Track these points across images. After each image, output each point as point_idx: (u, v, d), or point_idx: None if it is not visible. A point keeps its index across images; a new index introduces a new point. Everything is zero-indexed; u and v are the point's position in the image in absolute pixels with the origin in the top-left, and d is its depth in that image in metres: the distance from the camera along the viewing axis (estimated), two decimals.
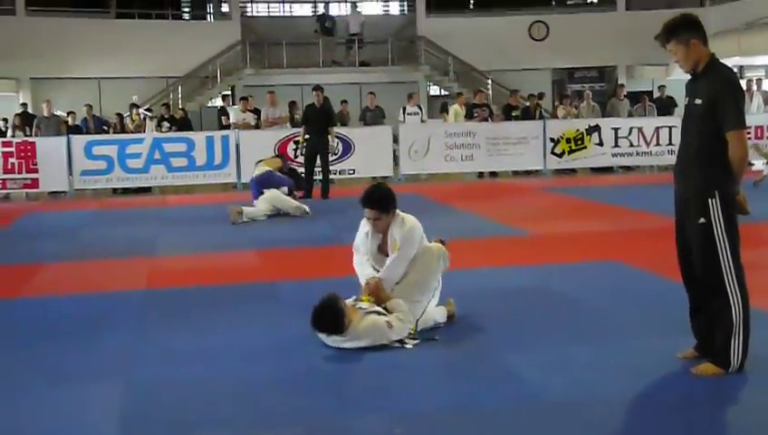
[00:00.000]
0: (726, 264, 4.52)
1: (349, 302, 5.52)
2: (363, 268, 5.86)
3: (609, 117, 18.84)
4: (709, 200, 4.50)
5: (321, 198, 14.03)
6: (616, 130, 18.04)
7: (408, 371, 4.96)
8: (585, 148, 17.91)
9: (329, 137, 14.59)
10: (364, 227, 5.87)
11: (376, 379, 4.86)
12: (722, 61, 4.70)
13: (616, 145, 18.02)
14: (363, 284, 5.74)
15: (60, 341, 5.87)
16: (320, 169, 14.65)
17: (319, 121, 14.46)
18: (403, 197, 13.78)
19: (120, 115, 18.80)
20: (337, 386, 4.80)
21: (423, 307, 5.71)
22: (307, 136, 14.60)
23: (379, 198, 5.71)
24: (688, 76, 4.78)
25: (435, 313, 5.84)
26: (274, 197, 12.26)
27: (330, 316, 5.24)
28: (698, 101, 4.60)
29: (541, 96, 19.77)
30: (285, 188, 12.53)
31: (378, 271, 5.75)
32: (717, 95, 4.52)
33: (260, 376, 4.93)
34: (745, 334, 4.56)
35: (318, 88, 14.77)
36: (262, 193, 12.26)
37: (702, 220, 4.53)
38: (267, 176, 12.72)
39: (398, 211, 5.77)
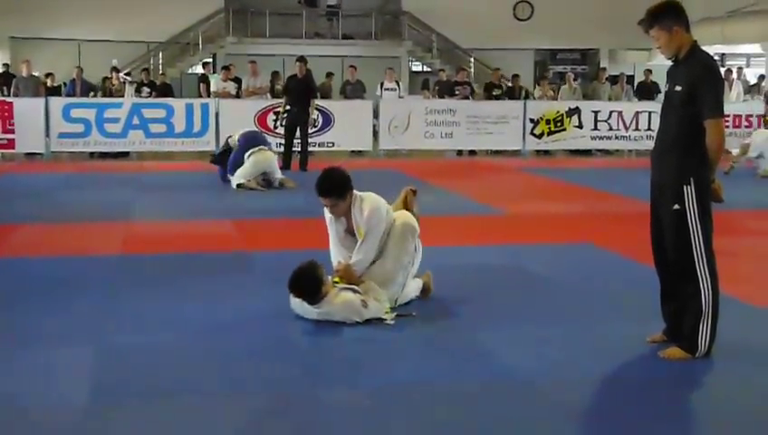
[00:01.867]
0: (698, 250, 4.56)
1: None
2: (335, 250, 5.85)
3: (589, 100, 18.88)
4: (684, 187, 4.53)
5: (300, 169, 14.01)
6: (596, 113, 18.09)
7: (380, 345, 4.99)
8: (565, 130, 17.96)
9: (309, 109, 14.53)
10: (327, 212, 5.80)
11: (347, 352, 4.89)
12: (704, 48, 4.72)
13: (595, 128, 18.08)
14: (334, 266, 5.73)
15: (31, 302, 5.85)
16: (299, 140, 14.60)
17: (300, 93, 14.40)
18: (382, 172, 13.88)
19: (107, 79, 18.60)
20: (308, 358, 4.83)
21: (401, 285, 5.71)
22: (288, 107, 14.54)
23: (332, 186, 5.58)
24: (669, 62, 4.80)
25: (411, 288, 5.86)
26: (267, 158, 12.04)
27: (307, 282, 5.26)
28: (678, 88, 4.61)
29: (515, 77, 19.73)
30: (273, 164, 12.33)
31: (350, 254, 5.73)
32: (697, 82, 4.53)
33: (231, 345, 4.94)
34: (714, 320, 4.61)
35: (301, 59, 14.70)
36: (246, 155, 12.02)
37: (676, 206, 4.56)
38: (255, 133, 12.74)
39: (355, 192, 5.67)
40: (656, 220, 4.79)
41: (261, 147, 12.11)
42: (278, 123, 15.23)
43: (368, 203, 5.65)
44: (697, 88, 4.52)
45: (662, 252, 4.78)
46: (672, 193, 4.59)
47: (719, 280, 4.65)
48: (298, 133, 14.55)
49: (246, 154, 11.98)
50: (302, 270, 5.31)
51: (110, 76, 18.62)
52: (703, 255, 4.57)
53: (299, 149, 14.63)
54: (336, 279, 5.55)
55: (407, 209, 6.07)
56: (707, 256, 4.58)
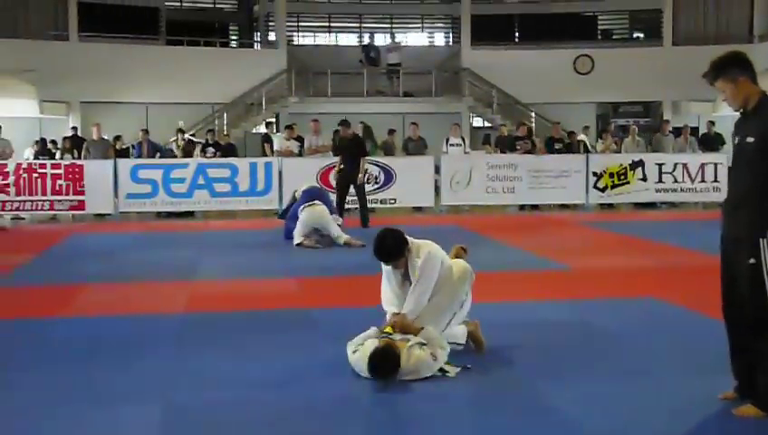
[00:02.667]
0: None
1: (372, 331, 5.56)
2: (388, 301, 5.88)
3: (653, 152, 18.69)
4: (761, 241, 4.40)
5: (362, 226, 14.07)
6: (660, 165, 17.89)
7: (442, 401, 4.95)
8: (628, 183, 17.78)
9: (361, 166, 14.56)
10: (384, 266, 5.87)
11: (409, 409, 4.86)
12: None
13: (660, 181, 17.86)
14: (388, 317, 5.76)
15: (100, 361, 5.95)
16: (355, 198, 14.66)
17: (351, 151, 14.54)
18: (444, 228, 13.89)
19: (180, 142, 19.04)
20: (369, 415, 4.81)
21: (446, 324, 5.77)
22: (342, 166, 14.67)
23: (391, 250, 5.69)
24: (735, 113, 4.73)
25: (455, 332, 5.86)
26: (315, 214, 12.00)
27: (390, 367, 5.21)
28: (750, 139, 4.49)
29: (571, 133, 19.63)
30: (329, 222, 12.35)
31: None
32: None
33: (294, 402, 4.95)
34: None
35: (344, 123, 15.01)
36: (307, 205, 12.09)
37: (752, 260, 4.43)
38: (314, 188, 12.84)
39: (411, 241, 5.76)
40: (727, 274, 4.66)
41: (314, 202, 12.16)
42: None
43: (424, 250, 5.76)
44: None
45: (733, 307, 4.64)
46: (747, 247, 4.45)
47: None
48: (352, 191, 14.61)
49: (300, 208, 12.09)
50: (383, 358, 5.22)
51: (179, 139, 18.97)
52: None
53: (356, 206, 14.70)
54: (388, 329, 5.56)
55: None
56: None
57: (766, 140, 4.42)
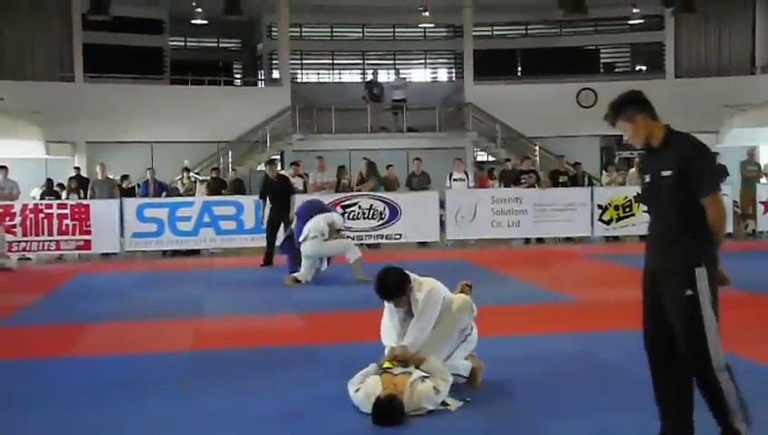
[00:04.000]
0: (713, 338, 4.33)
1: (371, 368, 5.56)
2: (388, 334, 5.90)
3: None
4: (696, 270, 4.33)
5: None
6: None
7: None
8: (633, 215, 17.76)
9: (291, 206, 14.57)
10: (387, 302, 5.90)
11: None
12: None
13: None
14: (387, 351, 5.76)
15: (105, 401, 5.93)
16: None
17: (279, 193, 14.67)
18: (449, 263, 13.86)
19: (185, 180, 19.09)
20: None
21: (446, 356, 5.79)
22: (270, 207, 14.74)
23: (393, 288, 5.73)
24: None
25: (458, 365, 5.85)
26: (316, 244, 11.90)
27: (395, 418, 5.17)
28: (666, 173, 4.43)
29: (576, 165, 19.69)
30: (335, 216, 12.44)
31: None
32: (689, 162, 4.39)
33: None
34: (746, 410, 4.38)
35: (272, 162, 15.83)
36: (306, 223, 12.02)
37: (689, 292, 4.32)
38: (315, 201, 12.87)
39: (413, 278, 5.80)
40: (655, 308, 4.56)
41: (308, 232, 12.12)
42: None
43: (426, 285, 5.80)
44: (691, 167, 4.38)
45: (663, 344, 4.54)
46: (681, 278, 4.34)
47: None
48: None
49: (299, 241, 12.01)
50: (387, 407, 5.18)
51: (184, 178, 19.03)
52: (717, 344, 4.32)
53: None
54: (387, 364, 5.55)
55: None
56: (720, 344, 4.34)
57: (687, 168, 4.39)
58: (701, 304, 4.31)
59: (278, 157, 24.24)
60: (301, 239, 11.95)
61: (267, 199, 14.79)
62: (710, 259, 4.37)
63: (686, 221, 4.39)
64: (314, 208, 12.45)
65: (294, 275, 11.97)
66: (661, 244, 4.54)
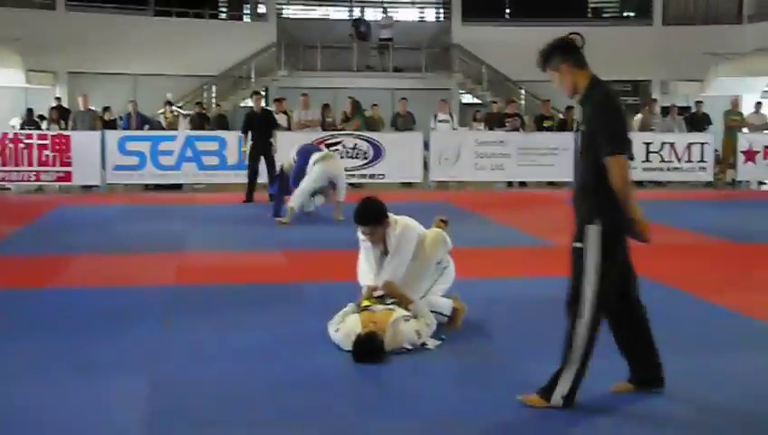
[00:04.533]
0: (587, 295, 4.32)
1: (350, 307, 5.62)
2: (365, 274, 5.97)
3: (641, 131, 18.74)
4: (587, 227, 4.32)
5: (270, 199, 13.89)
6: (647, 144, 17.95)
7: (427, 375, 5.01)
8: None
9: (272, 140, 14.58)
10: (363, 241, 5.95)
11: (395, 383, 4.91)
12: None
13: (647, 160, 17.94)
14: (364, 291, 5.83)
15: (87, 332, 5.97)
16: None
17: (262, 127, 14.59)
18: (432, 204, 13.93)
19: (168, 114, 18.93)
20: (356, 389, 4.86)
21: (425, 290, 5.90)
22: (251, 142, 14.67)
23: (370, 214, 5.78)
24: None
25: (440, 302, 5.94)
26: (336, 165, 11.97)
27: (375, 355, 5.23)
28: (582, 128, 4.42)
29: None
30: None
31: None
32: (594, 120, 4.35)
33: (281, 376, 5.00)
34: (576, 376, 4.37)
35: (257, 93, 15.62)
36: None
37: (578, 244, 4.36)
38: (311, 145, 12.76)
39: (390, 216, 5.85)
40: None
41: (327, 152, 12.02)
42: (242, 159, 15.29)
43: (401, 224, 5.88)
44: (595, 126, 4.33)
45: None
46: (578, 232, 4.38)
47: (598, 334, 4.38)
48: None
49: (312, 161, 11.82)
50: (367, 343, 5.25)
51: (167, 111, 18.88)
52: (588, 305, 4.32)
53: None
54: (366, 302, 5.62)
55: None
56: (595, 308, 4.32)
57: (591, 126, 4.35)
58: (585, 258, 4.31)
59: (263, 91, 24.09)
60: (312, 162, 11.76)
61: (249, 134, 14.68)
62: (610, 218, 4.30)
63: (589, 178, 4.35)
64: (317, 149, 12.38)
65: (288, 207, 11.78)
66: (573, 198, 4.50)
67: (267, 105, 19.72)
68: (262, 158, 14.56)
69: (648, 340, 4.63)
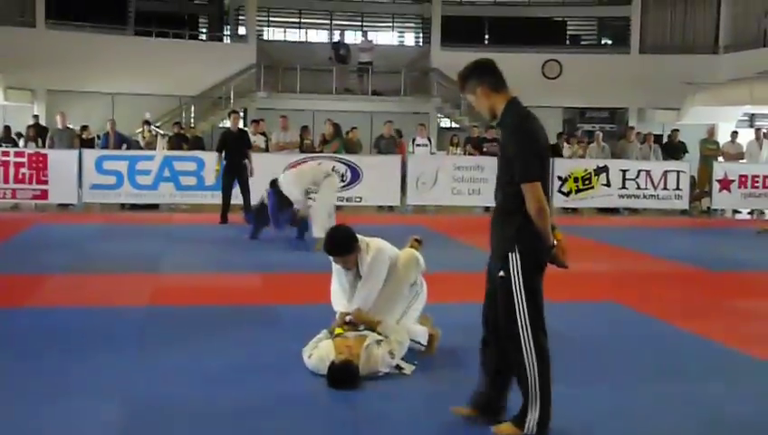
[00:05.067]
0: (523, 322, 4.28)
1: (323, 334, 5.62)
2: (338, 299, 5.97)
3: (618, 159, 18.89)
4: (509, 254, 4.28)
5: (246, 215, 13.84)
6: (624, 171, 18.09)
7: (402, 400, 5.01)
8: (592, 188, 17.97)
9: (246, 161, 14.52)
10: (335, 265, 5.94)
11: (367, 408, 4.91)
12: (520, 106, 4.38)
13: (623, 187, 18.07)
14: (338, 317, 5.82)
15: (60, 353, 5.92)
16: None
17: (236, 146, 14.55)
18: (409, 227, 13.86)
19: (146, 133, 18.88)
20: (330, 413, 4.85)
21: (400, 313, 5.89)
22: (224, 162, 14.60)
23: (339, 246, 5.77)
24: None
25: (416, 330, 5.92)
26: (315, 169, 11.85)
27: (350, 383, 5.22)
28: (501, 152, 4.41)
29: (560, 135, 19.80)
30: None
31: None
32: (508, 145, 4.30)
33: (252, 399, 4.98)
34: (543, 406, 4.32)
35: (234, 112, 15.54)
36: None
37: (501, 274, 4.32)
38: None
39: (360, 239, 5.83)
40: (487, 287, 4.58)
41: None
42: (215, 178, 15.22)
43: (373, 246, 5.86)
44: (509, 151, 4.28)
45: (492, 310, 4.53)
46: (499, 260, 4.35)
47: (548, 356, 4.36)
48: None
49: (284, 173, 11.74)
50: (343, 371, 5.25)
51: (145, 131, 18.83)
52: (528, 331, 4.29)
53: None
54: (339, 330, 5.62)
55: None
56: (533, 332, 4.29)
57: (507, 151, 4.30)
58: (512, 286, 4.28)
59: (240, 111, 24.13)
60: (298, 198, 11.39)
61: (223, 154, 14.59)
62: (530, 244, 4.26)
63: (508, 204, 4.32)
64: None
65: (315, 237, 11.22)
66: (492, 223, 4.48)
67: (245, 126, 19.75)
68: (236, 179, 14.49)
69: (510, 372, 4.51)
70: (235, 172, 14.46)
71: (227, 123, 22.56)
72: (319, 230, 10.81)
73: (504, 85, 4.39)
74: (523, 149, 4.22)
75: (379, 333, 5.57)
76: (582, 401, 5.04)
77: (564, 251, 4.34)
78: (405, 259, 6.01)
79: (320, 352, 5.47)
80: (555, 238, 4.31)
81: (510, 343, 4.34)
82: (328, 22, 29.53)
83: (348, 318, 5.71)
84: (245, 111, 24.91)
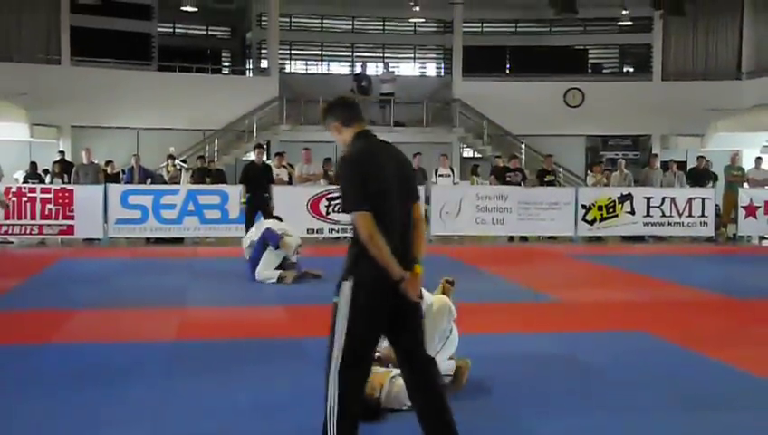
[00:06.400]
0: (337, 353, 4.24)
1: None
2: None
3: (641, 186, 18.81)
4: (343, 282, 4.27)
5: None
6: (648, 199, 18.00)
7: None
8: (617, 216, 17.89)
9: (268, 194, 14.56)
10: None
11: None
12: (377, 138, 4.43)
13: (648, 214, 17.97)
14: None
15: (88, 389, 5.94)
16: None
17: (260, 179, 14.63)
18: (433, 258, 13.77)
19: (170, 168, 19.04)
20: None
21: None
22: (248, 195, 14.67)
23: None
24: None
25: (443, 365, 5.86)
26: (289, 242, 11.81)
27: (371, 416, 5.17)
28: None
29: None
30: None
31: None
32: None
33: (281, 433, 4.96)
34: (340, 430, 4.24)
35: (259, 146, 15.59)
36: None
37: (335, 299, 4.32)
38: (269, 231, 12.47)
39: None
40: None
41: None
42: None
43: (434, 299, 5.80)
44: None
45: None
46: (337, 286, 4.34)
47: (349, 395, 4.25)
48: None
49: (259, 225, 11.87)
50: (364, 407, 5.09)
51: (170, 165, 18.98)
52: (337, 362, 4.23)
53: None
54: None
55: None
56: (341, 366, 4.22)
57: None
58: (338, 313, 4.27)
59: (264, 144, 24.29)
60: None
61: (246, 187, 14.68)
62: (365, 273, 4.21)
63: (354, 233, 4.31)
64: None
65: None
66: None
67: (268, 159, 19.85)
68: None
69: (441, 405, 4.39)
70: (258, 205, 14.54)
71: (252, 156, 22.75)
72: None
73: (357, 120, 4.47)
74: (344, 180, 4.32)
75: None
76: (610, 430, 4.99)
77: (414, 286, 4.22)
78: (437, 308, 5.92)
79: None
80: (414, 271, 4.21)
81: (327, 361, 4.31)
82: (349, 54, 29.71)
83: (377, 355, 5.68)
84: (269, 144, 25.02)
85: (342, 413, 4.23)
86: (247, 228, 14.66)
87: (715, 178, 19.28)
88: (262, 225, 12.29)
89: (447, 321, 5.97)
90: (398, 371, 5.44)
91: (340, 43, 29.76)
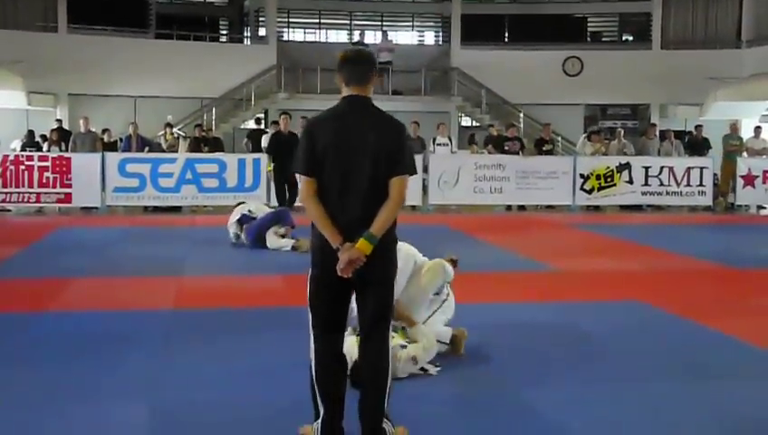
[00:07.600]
0: (309, 318, 4.31)
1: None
2: None
3: (639, 155, 18.78)
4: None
5: None
6: (647, 168, 17.98)
7: (425, 403, 4.99)
8: (615, 185, 17.88)
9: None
10: None
11: (394, 409, 4.88)
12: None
13: (646, 184, 17.96)
14: None
15: (86, 358, 5.96)
16: None
17: (289, 148, 14.60)
18: (431, 227, 13.89)
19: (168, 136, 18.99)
20: (355, 415, 4.83)
21: (422, 318, 5.81)
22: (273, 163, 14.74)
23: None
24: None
25: (440, 330, 5.88)
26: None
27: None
28: None
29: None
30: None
31: None
32: None
33: (282, 401, 4.99)
34: (315, 401, 4.30)
35: (286, 114, 15.66)
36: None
37: None
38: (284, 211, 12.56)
39: None
40: None
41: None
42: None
43: (400, 252, 5.75)
44: None
45: None
46: None
47: (322, 366, 4.29)
48: None
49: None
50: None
51: (167, 133, 18.91)
52: (309, 327, 4.32)
53: None
54: None
55: None
56: (313, 332, 4.30)
57: None
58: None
59: (261, 112, 24.23)
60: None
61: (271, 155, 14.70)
62: (314, 241, 4.24)
63: None
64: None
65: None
66: None
67: (266, 127, 19.77)
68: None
69: (374, 403, 4.34)
70: (285, 174, 14.56)
71: (249, 124, 22.69)
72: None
73: (354, 81, 4.36)
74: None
75: (407, 337, 5.54)
76: (610, 400, 5.01)
77: (346, 258, 4.02)
78: (431, 265, 5.95)
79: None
80: (355, 244, 4.04)
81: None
82: (348, 22, 29.57)
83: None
84: (266, 113, 24.97)
85: (317, 378, 4.25)
86: (279, 200, 14.62)
87: (708, 146, 19.24)
88: (246, 206, 12.46)
89: (441, 280, 5.96)
90: (398, 340, 5.47)
91: (338, 11, 29.60)
